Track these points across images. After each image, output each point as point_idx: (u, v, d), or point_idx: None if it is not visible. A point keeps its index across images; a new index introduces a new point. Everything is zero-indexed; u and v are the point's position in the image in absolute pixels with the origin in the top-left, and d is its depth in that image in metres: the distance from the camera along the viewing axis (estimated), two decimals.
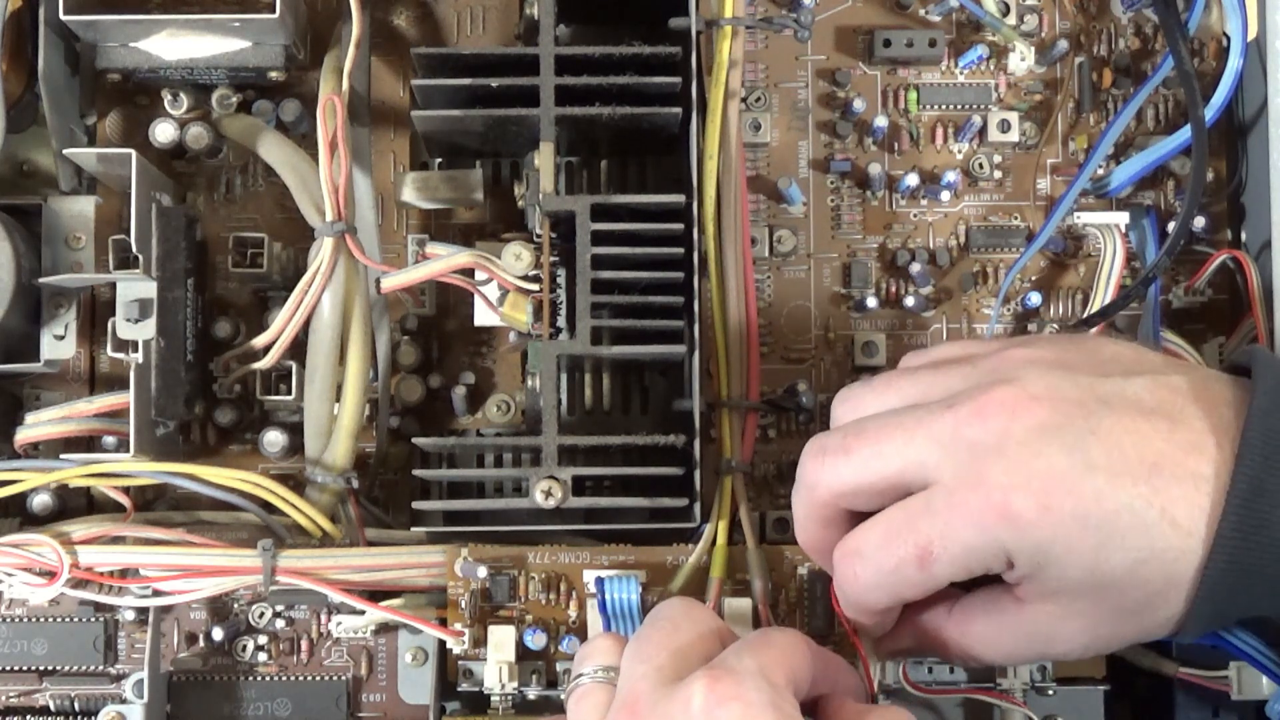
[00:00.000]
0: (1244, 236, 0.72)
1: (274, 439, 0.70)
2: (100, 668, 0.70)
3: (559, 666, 0.65)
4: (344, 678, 0.70)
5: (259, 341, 0.68)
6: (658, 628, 0.54)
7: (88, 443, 0.69)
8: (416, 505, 0.66)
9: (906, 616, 0.58)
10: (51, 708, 0.70)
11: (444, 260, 0.66)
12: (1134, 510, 0.50)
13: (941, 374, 0.55)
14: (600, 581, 0.62)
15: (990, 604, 0.55)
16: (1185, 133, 0.69)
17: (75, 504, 0.70)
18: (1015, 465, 0.50)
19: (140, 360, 0.65)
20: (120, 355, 0.65)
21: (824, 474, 0.55)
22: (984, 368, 0.54)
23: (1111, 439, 0.50)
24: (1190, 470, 0.50)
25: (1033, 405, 0.51)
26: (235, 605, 0.70)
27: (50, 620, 0.70)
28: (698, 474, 0.64)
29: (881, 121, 0.72)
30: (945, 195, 0.73)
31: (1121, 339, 0.57)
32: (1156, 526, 0.50)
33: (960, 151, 0.74)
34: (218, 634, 0.69)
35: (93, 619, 0.70)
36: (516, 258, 0.65)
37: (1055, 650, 0.55)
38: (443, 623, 0.65)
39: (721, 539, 0.65)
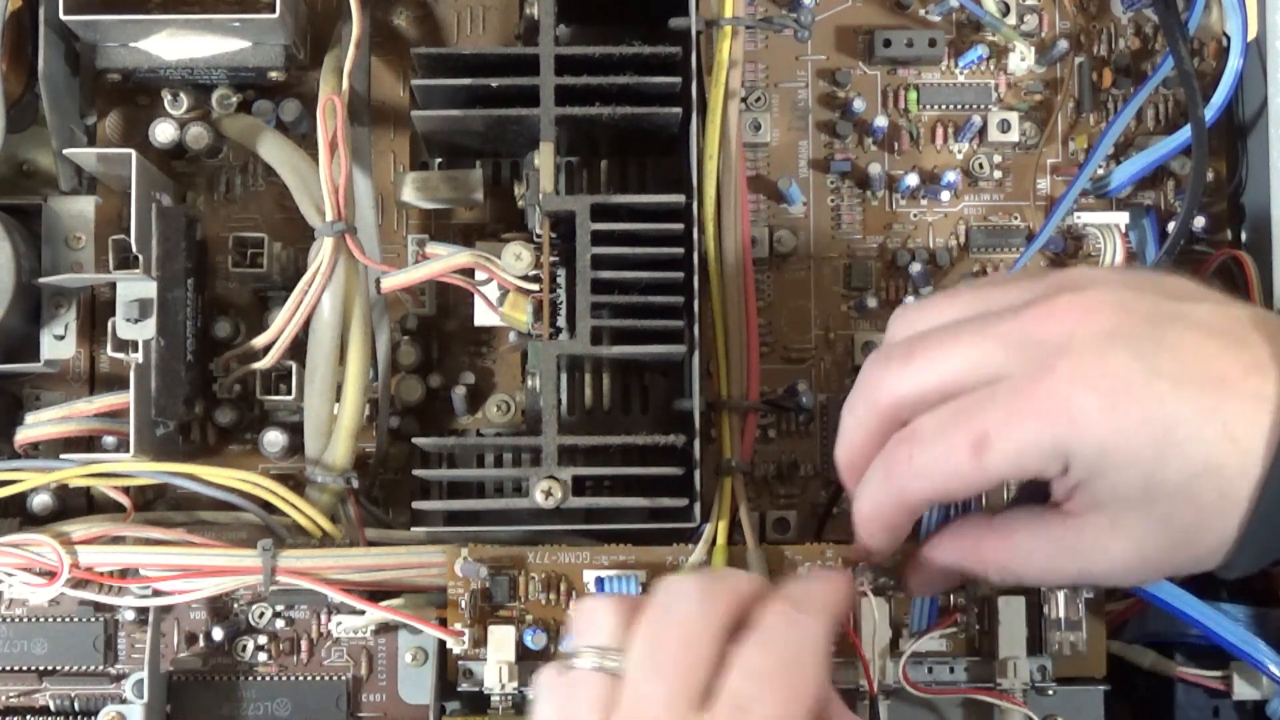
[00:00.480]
0: (1244, 236, 0.72)
1: (274, 439, 0.70)
2: (100, 668, 0.70)
3: None
4: (344, 678, 0.70)
5: (259, 341, 0.68)
6: (673, 626, 0.51)
7: (88, 443, 0.69)
8: (416, 505, 0.66)
9: (945, 529, 0.57)
10: (51, 708, 0.70)
11: (444, 260, 0.66)
12: (1196, 421, 0.49)
13: (1004, 288, 0.54)
14: (600, 581, 0.62)
15: (1035, 516, 0.54)
16: (1185, 133, 0.69)
17: (75, 504, 0.70)
18: (1082, 364, 0.50)
19: (140, 360, 0.65)
20: (120, 355, 0.65)
21: (888, 379, 0.54)
22: (1048, 281, 0.53)
23: (1178, 351, 0.50)
24: (1254, 389, 0.49)
25: (1102, 310, 0.51)
26: (235, 605, 0.70)
27: (50, 620, 0.70)
28: (698, 474, 0.64)
29: (881, 121, 0.72)
30: (945, 195, 0.73)
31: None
32: (1217, 441, 0.49)
33: (960, 151, 0.74)
34: (218, 634, 0.69)
35: (93, 619, 0.70)
36: (516, 258, 0.65)
37: (1099, 569, 0.54)
38: (443, 623, 0.65)
39: (721, 539, 0.65)
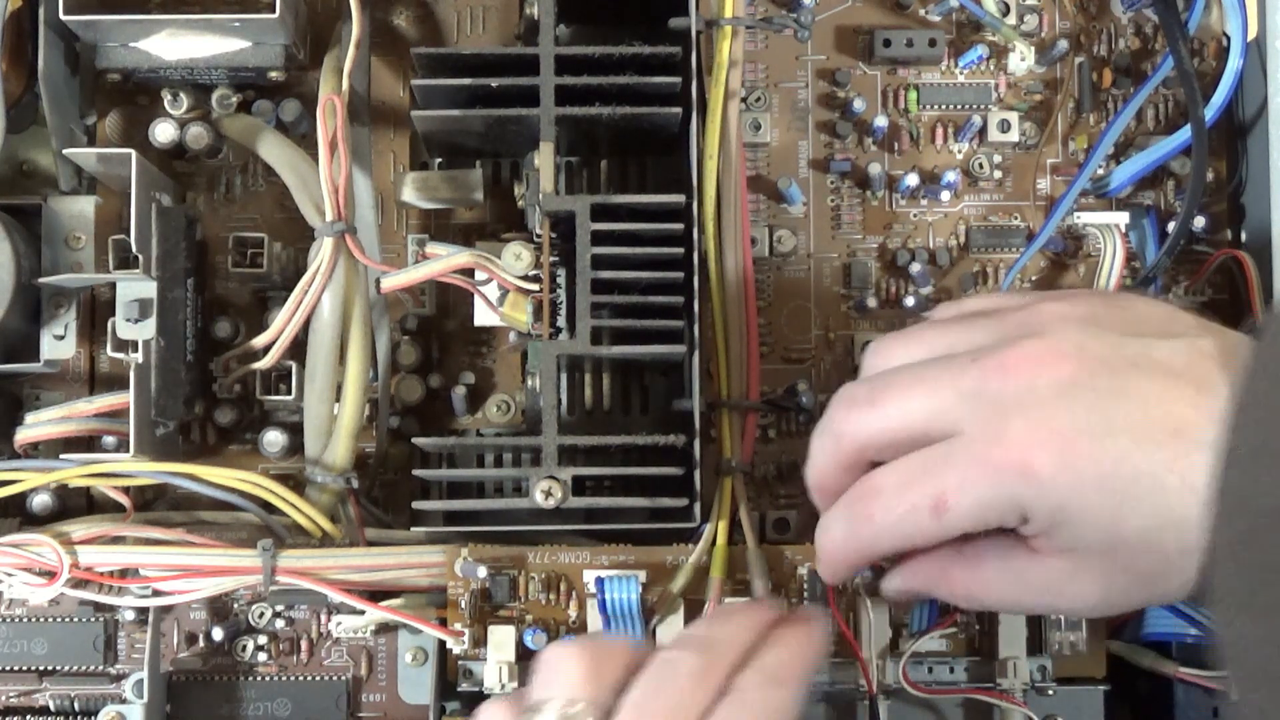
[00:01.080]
0: (1244, 236, 0.72)
1: (274, 439, 0.70)
2: (100, 668, 0.70)
3: None
4: (344, 678, 0.71)
5: (259, 341, 0.68)
6: (663, 701, 0.51)
7: (88, 443, 0.69)
8: (416, 505, 0.66)
9: (914, 554, 0.58)
10: (51, 708, 0.70)
11: (444, 260, 0.66)
12: (1154, 475, 0.49)
13: (969, 327, 0.55)
14: (600, 581, 0.62)
15: (1003, 551, 0.55)
16: (1185, 133, 0.69)
17: (75, 504, 0.70)
18: (1037, 422, 0.50)
19: (140, 360, 0.65)
20: (120, 355, 0.65)
21: (849, 424, 0.55)
22: (1012, 321, 0.53)
23: (1136, 401, 0.50)
24: (1213, 439, 0.49)
25: (1059, 361, 0.51)
26: (235, 605, 0.70)
27: (50, 620, 0.70)
28: (698, 474, 0.64)
29: (881, 121, 0.72)
30: (945, 195, 0.73)
31: (1156, 299, 0.56)
32: (1176, 493, 0.49)
33: (960, 151, 0.74)
34: (218, 634, 0.69)
35: (93, 619, 0.70)
36: (516, 258, 0.65)
37: (1063, 605, 0.55)
38: (443, 623, 0.65)
39: (721, 539, 0.65)
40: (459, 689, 0.65)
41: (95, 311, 0.71)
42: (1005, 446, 0.50)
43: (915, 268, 0.72)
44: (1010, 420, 0.51)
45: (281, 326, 0.67)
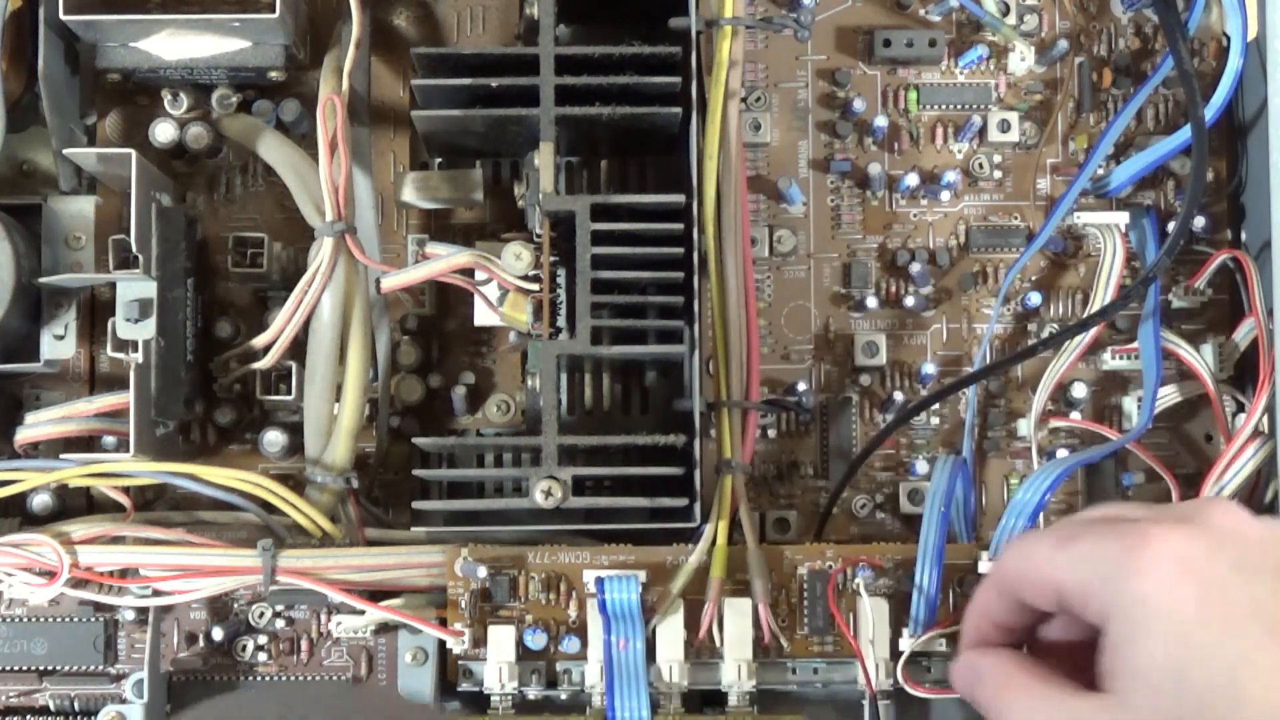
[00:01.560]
0: (1244, 236, 0.72)
1: (274, 439, 0.70)
2: (100, 668, 0.70)
3: (559, 666, 0.65)
4: (344, 678, 0.70)
5: (259, 341, 0.68)
6: None
7: (88, 443, 0.69)
8: (416, 505, 0.66)
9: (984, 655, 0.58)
10: (51, 708, 0.70)
11: (444, 260, 0.66)
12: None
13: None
14: (600, 581, 0.62)
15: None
16: (1185, 133, 0.69)
17: (75, 504, 0.70)
18: None
19: (140, 360, 0.65)
20: (120, 355, 0.65)
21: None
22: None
23: None
24: None
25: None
26: (235, 605, 0.70)
27: (50, 620, 0.70)
28: (698, 474, 0.64)
29: (881, 121, 0.72)
30: (945, 195, 0.73)
31: None
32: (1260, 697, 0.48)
33: (960, 151, 0.74)
34: (218, 634, 0.69)
35: (93, 619, 0.70)
36: (516, 258, 0.65)
37: None
38: (443, 623, 0.65)
39: (721, 539, 0.65)
40: (459, 689, 0.65)
41: (95, 311, 0.71)
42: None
43: (915, 268, 0.72)
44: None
45: (281, 326, 0.67)
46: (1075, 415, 0.72)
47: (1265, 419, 0.67)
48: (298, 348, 0.68)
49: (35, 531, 0.65)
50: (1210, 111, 0.69)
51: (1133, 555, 0.50)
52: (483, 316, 0.69)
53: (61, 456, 0.67)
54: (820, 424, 0.73)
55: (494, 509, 0.66)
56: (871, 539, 0.71)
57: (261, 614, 0.70)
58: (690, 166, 0.66)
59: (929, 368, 0.72)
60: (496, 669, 0.64)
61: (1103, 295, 0.70)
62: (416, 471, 0.67)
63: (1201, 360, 0.70)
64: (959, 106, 0.73)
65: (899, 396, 0.72)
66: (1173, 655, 0.49)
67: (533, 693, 0.65)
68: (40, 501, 0.69)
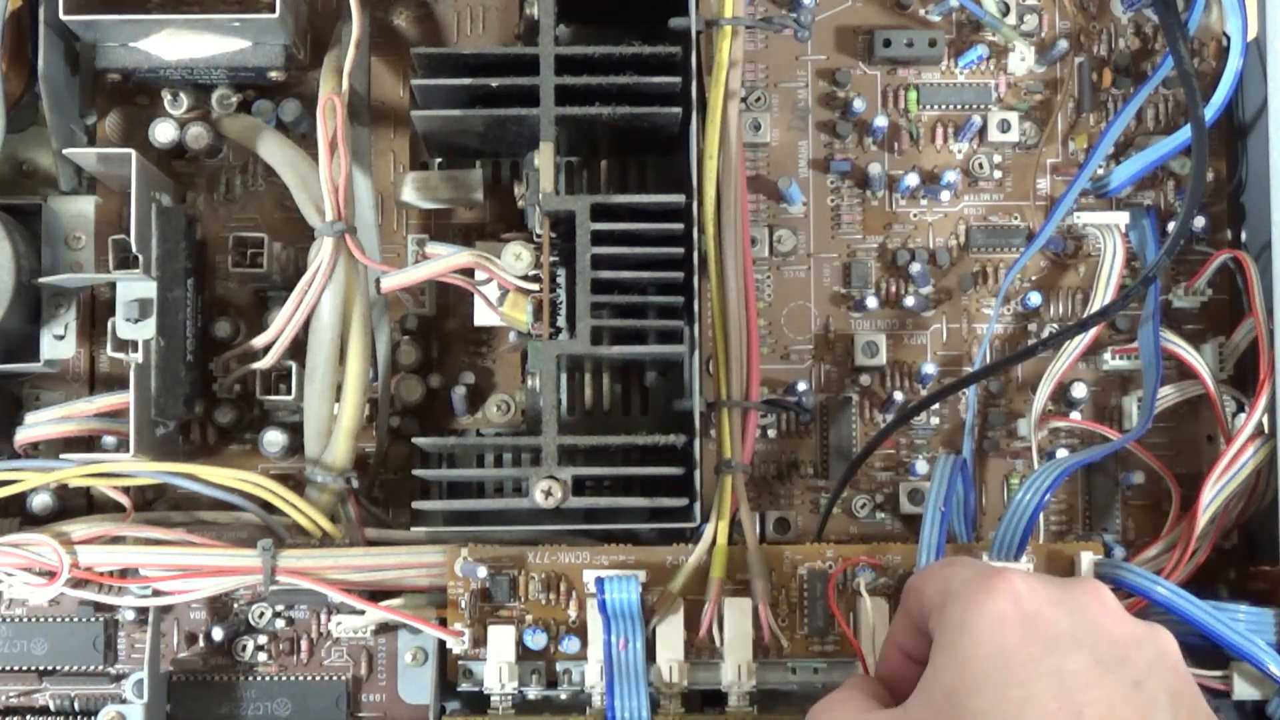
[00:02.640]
0: (1244, 236, 0.72)
1: (274, 439, 0.70)
2: (100, 668, 0.70)
3: (559, 666, 0.65)
4: (344, 678, 0.70)
5: (259, 341, 0.68)
6: None
7: (88, 443, 0.69)
8: (416, 505, 0.66)
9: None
10: (51, 708, 0.70)
11: (444, 260, 0.66)
12: None
13: None
14: (600, 581, 0.62)
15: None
16: (1185, 133, 0.69)
17: (75, 504, 0.70)
18: None
19: (140, 360, 0.65)
20: (120, 355, 0.65)
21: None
22: None
23: None
24: None
25: None
26: (235, 605, 0.70)
27: (50, 620, 0.70)
28: (698, 474, 0.64)
29: (881, 121, 0.72)
30: (945, 195, 0.73)
31: None
32: None
33: (960, 151, 0.74)
34: (218, 634, 0.69)
35: (93, 619, 0.70)
36: (516, 258, 0.65)
37: None
38: (443, 623, 0.65)
39: (721, 539, 0.65)
40: (459, 689, 0.65)
41: (95, 311, 0.71)
42: None
43: (915, 268, 0.72)
44: None
45: (281, 326, 0.67)
46: (1075, 415, 0.72)
47: (1265, 419, 0.67)
48: (298, 348, 0.68)
49: (35, 531, 0.65)
50: (1210, 111, 0.69)
51: (977, 585, 0.51)
52: (483, 316, 0.69)
53: (61, 456, 0.67)
54: (820, 424, 0.73)
55: (494, 509, 0.66)
56: (871, 539, 0.71)
57: (261, 614, 0.70)
58: (690, 166, 0.66)
59: (929, 368, 0.72)
60: (496, 669, 0.64)
61: (1103, 295, 0.70)
62: (416, 471, 0.67)
63: (1201, 360, 0.70)
64: (959, 106, 0.73)
65: (899, 396, 0.72)
66: (962, 683, 0.49)
67: (533, 693, 0.65)
68: (40, 501, 0.69)
